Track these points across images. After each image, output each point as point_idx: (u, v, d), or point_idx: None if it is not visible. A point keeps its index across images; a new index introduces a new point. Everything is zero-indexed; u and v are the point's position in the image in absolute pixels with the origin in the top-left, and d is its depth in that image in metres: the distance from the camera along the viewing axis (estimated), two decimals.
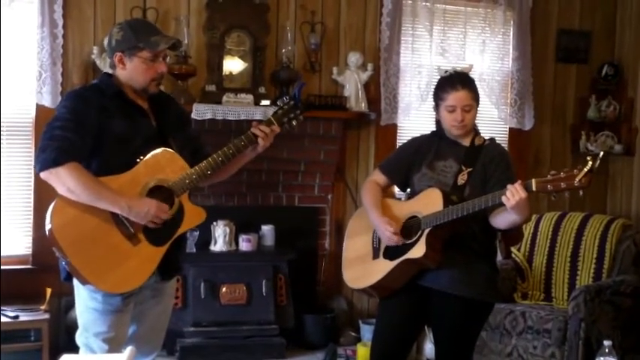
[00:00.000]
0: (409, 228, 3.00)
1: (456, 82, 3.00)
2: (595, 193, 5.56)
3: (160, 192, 2.74)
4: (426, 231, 2.91)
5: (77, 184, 2.59)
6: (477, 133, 3.10)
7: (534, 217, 4.89)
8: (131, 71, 2.78)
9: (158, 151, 2.76)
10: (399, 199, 3.39)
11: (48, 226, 2.62)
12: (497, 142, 3.14)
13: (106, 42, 2.89)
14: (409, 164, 3.14)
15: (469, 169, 2.98)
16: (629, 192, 5.56)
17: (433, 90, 3.12)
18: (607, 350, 2.57)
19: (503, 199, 2.68)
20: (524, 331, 4.23)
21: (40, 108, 4.47)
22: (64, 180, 2.59)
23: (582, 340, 4.05)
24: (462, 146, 3.06)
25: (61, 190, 2.62)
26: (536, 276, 4.76)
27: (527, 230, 4.89)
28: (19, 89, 4.48)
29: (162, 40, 2.79)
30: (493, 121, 5.43)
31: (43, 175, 2.62)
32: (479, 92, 3.08)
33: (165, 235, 2.75)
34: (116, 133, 2.71)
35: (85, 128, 2.66)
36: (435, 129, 3.18)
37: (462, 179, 2.97)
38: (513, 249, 4.90)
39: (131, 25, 2.82)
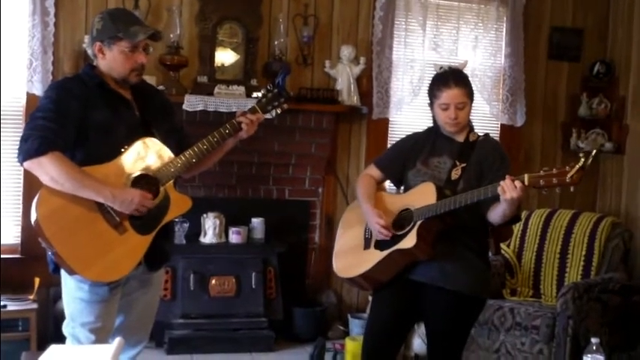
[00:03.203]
0: (402, 220, 3.01)
1: (449, 80, 3.00)
2: (585, 190, 5.57)
3: (145, 181, 2.73)
4: (418, 223, 2.91)
5: (60, 173, 2.57)
6: (471, 129, 3.09)
7: (524, 214, 4.89)
8: (110, 61, 2.77)
9: (142, 140, 2.75)
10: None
11: (33, 217, 2.60)
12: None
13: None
14: (404, 160, 3.14)
15: (463, 165, 2.98)
16: (619, 190, 5.57)
17: (427, 87, 3.11)
18: (594, 347, 2.58)
19: (499, 189, 2.68)
20: (512, 327, 4.24)
21: (30, 97, 4.45)
22: (47, 169, 2.58)
23: (570, 337, 4.06)
24: (456, 142, 3.06)
25: (44, 179, 2.60)
26: (525, 272, 4.77)
27: (517, 227, 4.90)
28: (9, 78, 4.45)
29: (142, 30, 2.77)
30: (485, 117, 5.44)
31: (26, 164, 2.61)
32: (473, 89, 3.08)
33: (152, 223, 2.74)
34: (99, 124, 2.70)
35: (68, 118, 2.64)
36: (431, 125, 3.18)
37: (455, 174, 2.97)
38: (503, 245, 4.92)
39: (111, 15, 2.81)
